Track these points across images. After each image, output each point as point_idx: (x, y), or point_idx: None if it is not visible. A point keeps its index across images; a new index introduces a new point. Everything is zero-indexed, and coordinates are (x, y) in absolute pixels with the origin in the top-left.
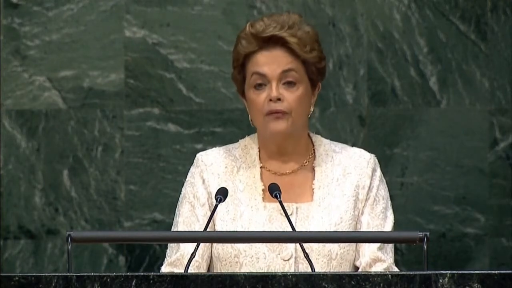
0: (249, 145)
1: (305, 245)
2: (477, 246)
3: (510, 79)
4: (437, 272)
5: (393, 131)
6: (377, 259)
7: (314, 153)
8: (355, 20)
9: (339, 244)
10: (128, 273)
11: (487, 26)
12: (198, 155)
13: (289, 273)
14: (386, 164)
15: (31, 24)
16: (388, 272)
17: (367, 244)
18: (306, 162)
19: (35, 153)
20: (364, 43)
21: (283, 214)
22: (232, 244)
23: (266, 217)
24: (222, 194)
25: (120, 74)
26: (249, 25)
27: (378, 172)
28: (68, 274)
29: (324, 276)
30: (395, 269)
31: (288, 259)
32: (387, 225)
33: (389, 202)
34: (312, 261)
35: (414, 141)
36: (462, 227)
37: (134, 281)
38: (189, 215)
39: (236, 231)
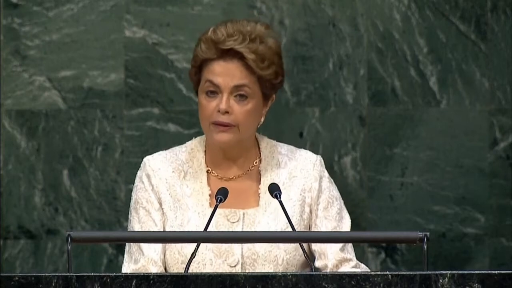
0: (195, 148)
1: (251, 251)
2: (477, 246)
3: (510, 79)
4: (437, 272)
5: (393, 131)
6: (343, 260)
7: (260, 156)
8: (355, 20)
9: (285, 249)
10: (128, 273)
11: (487, 26)
12: (145, 159)
13: (289, 273)
14: (386, 164)
15: (31, 24)
16: (388, 272)
17: (328, 246)
18: (252, 166)
19: (35, 153)
20: (364, 43)
21: (230, 220)
22: (179, 250)
23: (213, 223)
24: (222, 194)
25: (120, 74)
26: (212, 30)
27: (326, 173)
28: (68, 274)
29: (324, 276)
30: (363, 265)
31: (235, 265)
32: (345, 226)
33: (342, 201)
34: (259, 267)
35: (414, 141)
36: (462, 227)
37: (134, 281)
38: (145, 220)
39: (236, 231)
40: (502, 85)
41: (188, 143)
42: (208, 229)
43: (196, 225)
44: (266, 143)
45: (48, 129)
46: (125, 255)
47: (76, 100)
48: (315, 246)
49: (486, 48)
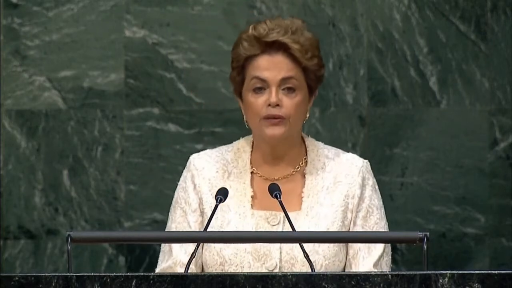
0: (242, 148)
1: (290, 255)
2: (477, 246)
3: (510, 79)
4: (437, 272)
5: (393, 131)
6: None
7: (307, 157)
8: (355, 20)
9: (324, 255)
10: (128, 273)
11: (487, 26)
12: (191, 157)
13: (289, 273)
14: (386, 164)
15: (31, 24)
16: (388, 272)
17: (361, 258)
18: (298, 167)
19: (35, 153)
20: (364, 43)
21: (270, 223)
22: (218, 252)
23: (253, 225)
24: (222, 194)
25: (120, 74)
26: (252, 27)
27: (371, 180)
28: (68, 274)
29: (324, 276)
30: None
31: (273, 269)
32: None
33: (383, 210)
34: (297, 271)
35: (414, 141)
36: (462, 227)
37: (134, 281)
38: (181, 221)
39: (236, 231)
40: (502, 85)
41: (235, 143)
42: (249, 231)
43: (236, 226)
44: (313, 145)
45: (48, 129)
46: (160, 254)
47: (76, 100)
48: (351, 256)
49: (486, 48)
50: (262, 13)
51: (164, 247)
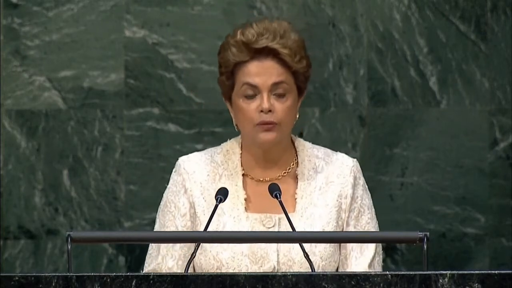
0: (231, 150)
1: (287, 257)
2: (477, 246)
3: (510, 79)
4: (437, 272)
5: (393, 131)
6: None
7: (297, 159)
8: (355, 20)
9: (321, 256)
10: (128, 273)
11: (487, 26)
12: (180, 161)
13: (289, 273)
14: (386, 164)
15: (31, 24)
16: (388, 272)
17: (353, 258)
18: (289, 168)
19: (35, 153)
20: (364, 43)
21: (266, 225)
22: (215, 256)
23: (248, 228)
24: (222, 194)
25: (120, 74)
26: (240, 33)
27: (362, 180)
28: (68, 274)
29: (324, 276)
30: None
31: (271, 272)
32: None
33: (373, 209)
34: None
35: (414, 141)
36: (462, 227)
37: (134, 281)
38: (169, 225)
39: (236, 232)
40: (502, 85)
41: (223, 145)
42: (248, 231)
43: (232, 229)
44: (303, 146)
45: (48, 129)
46: (146, 256)
47: (76, 100)
48: (343, 257)
49: (486, 48)
50: (262, 13)
51: (151, 250)
